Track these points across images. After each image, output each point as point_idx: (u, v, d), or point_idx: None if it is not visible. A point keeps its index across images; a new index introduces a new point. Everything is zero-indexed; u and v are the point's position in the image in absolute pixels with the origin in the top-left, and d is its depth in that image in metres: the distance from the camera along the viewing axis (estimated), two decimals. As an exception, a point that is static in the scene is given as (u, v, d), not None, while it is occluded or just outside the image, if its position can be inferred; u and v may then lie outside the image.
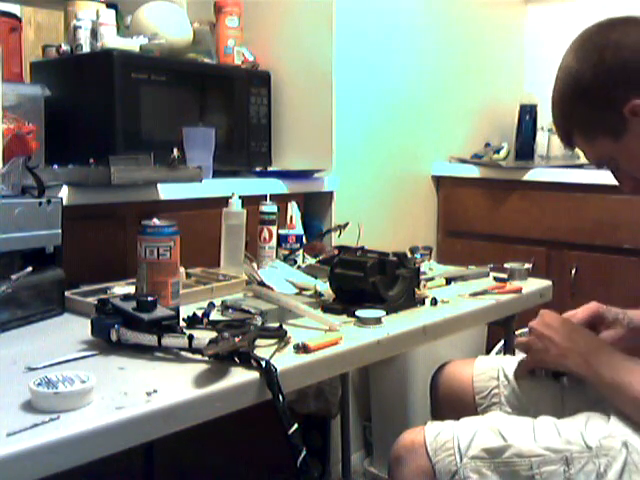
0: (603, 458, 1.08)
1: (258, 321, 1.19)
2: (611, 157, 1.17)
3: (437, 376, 1.50)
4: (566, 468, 1.08)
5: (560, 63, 1.20)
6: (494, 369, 1.41)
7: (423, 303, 1.43)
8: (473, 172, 2.51)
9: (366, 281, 1.32)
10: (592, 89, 1.13)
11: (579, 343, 1.22)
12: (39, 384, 0.85)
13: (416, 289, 1.43)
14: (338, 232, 1.86)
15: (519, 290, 1.59)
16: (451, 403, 1.42)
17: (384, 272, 1.35)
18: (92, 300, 1.24)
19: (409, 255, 1.77)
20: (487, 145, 2.66)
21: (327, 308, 1.33)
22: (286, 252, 1.72)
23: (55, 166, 1.46)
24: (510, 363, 1.41)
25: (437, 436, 1.15)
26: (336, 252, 1.56)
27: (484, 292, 1.54)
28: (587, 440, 1.09)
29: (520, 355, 1.44)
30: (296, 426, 0.96)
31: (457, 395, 1.42)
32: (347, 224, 1.85)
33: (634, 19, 1.15)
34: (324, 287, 1.42)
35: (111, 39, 1.82)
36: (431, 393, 1.50)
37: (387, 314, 1.29)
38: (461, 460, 1.12)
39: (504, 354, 1.80)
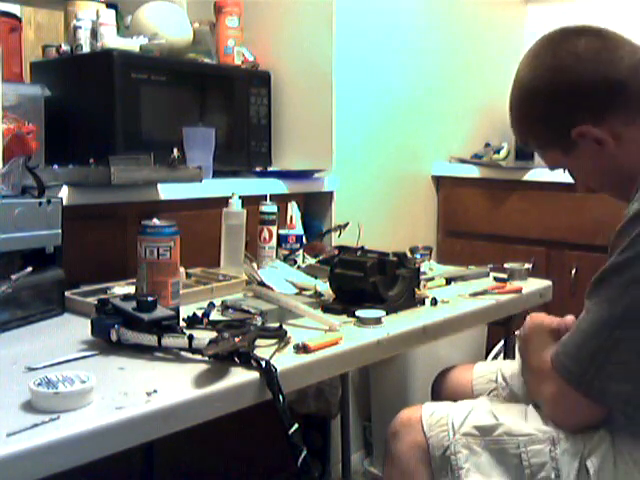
0: (588, 442, 1.10)
1: (258, 321, 1.20)
2: (563, 166, 1.22)
3: (438, 381, 1.52)
4: (552, 447, 1.11)
5: (516, 71, 1.22)
6: (492, 372, 1.44)
7: (423, 303, 1.43)
8: (473, 172, 2.51)
9: (366, 281, 1.32)
10: (544, 108, 1.16)
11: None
12: (39, 384, 0.85)
13: (416, 289, 1.43)
14: (338, 232, 1.86)
15: (519, 290, 1.60)
16: None
17: (384, 272, 1.35)
18: (92, 300, 1.24)
19: (409, 255, 1.77)
20: (487, 145, 2.66)
21: (327, 308, 1.33)
22: (286, 252, 1.72)
23: (55, 166, 1.46)
24: (508, 366, 1.44)
25: (433, 414, 1.20)
26: (336, 252, 1.56)
27: (484, 292, 1.54)
28: None
29: (514, 360, 1.47)
30: (296, 426, 0.96)
31: (457, 399, 1.43)
32: (347, 224, 1.86)
33: (587, 30, 1.17)
34: (324, 287, 1.42)
35: (111, 39, 1.82)
36: (433, 398, 1.51)
37: (387, 314, 1.29)
38: (454, 436, 1.16)
39: (504, 354, 1.80)
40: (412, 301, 1.40)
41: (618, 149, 1.12)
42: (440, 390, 1.50)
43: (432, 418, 1.20)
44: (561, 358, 1.09)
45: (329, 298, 1.39)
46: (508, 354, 1.75)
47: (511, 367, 1.43)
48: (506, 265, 1.70)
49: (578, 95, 1.12)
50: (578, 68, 1.12)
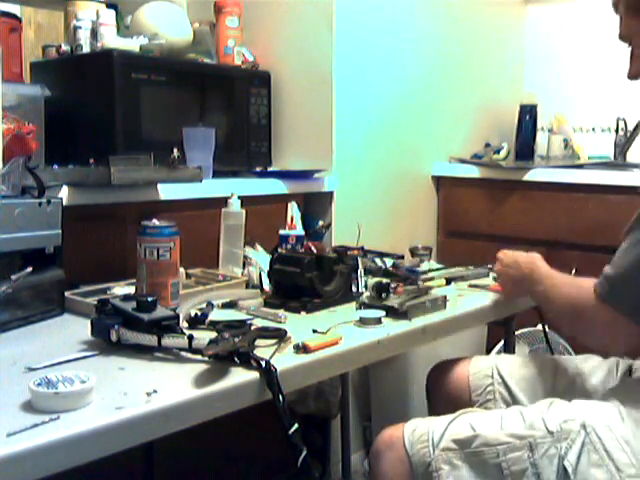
0: (564, 442, 1.12)
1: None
2: (631, 38, 1.26)
3: (433, 375, 1.53)
4: (530, 454, 1.13)
5: None
6: (489, 367, 1.46)
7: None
8: (473, 172, 2.51)
9: (303, 277, 1.35)
10: None
11: (526, 272, 1.41)
12: (39, 384, 0.85)
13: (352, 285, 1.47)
14: (323, 232, 1.88)
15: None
16: (448, 401, 1.45)
17: (321, 268, 1.39)
18: (92, 300, 1.24)
19: (410, 256, 1.78)
20: (487, 145, 2.66)
21: (266, 302, 1.37)
22: (286, 252, 1.72)
23: (55, 166, 1.46)
24: (504, 362, 1.47)
25: (414, 431, 1.21)
26: (335, 253, 1.56)
27: (484, 286, 1.55)
28: (548, 425, 1.14)
29: (511, 355, 1.50)
30: (296, 426, 0.96)
31: (454, 393, 1.47)
32: (330, 224, 1.91)
33: None
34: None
35: (111, 39, 1.82)
36: (428, 391, 1.52)
37: (322, 308, 1.35)
38: (434, 452, 1.17)
39: (504, 354, 1.80)
40: (349, 296, 1.42)
41: None
42: (435, 383, 1.52)
43: (414, 435, 1.20)
44: (610, 289, 1.18)
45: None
46: (508, 353, 1.74)
47: (507, 362, 1.47)
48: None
49: None
50: None
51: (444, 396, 1.48)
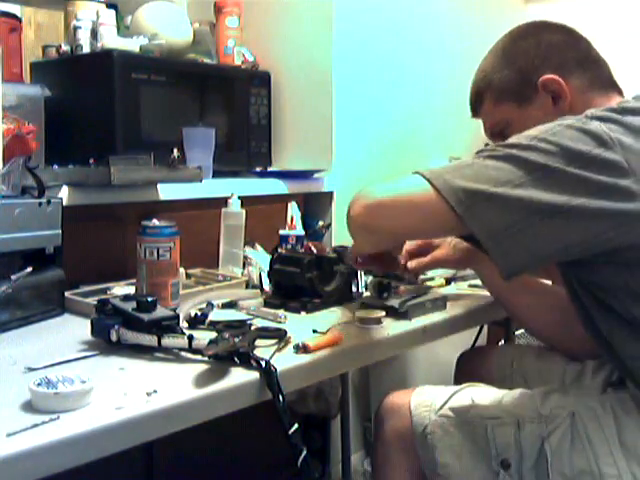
0: (550, 425, 1.15)
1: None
2: (508, 123, 1.27)
3: (463, 362, 1.59)
4: (516, 430, 1.18)
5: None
6: (509, 357, 1.51)
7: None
8: (473, 172, 2.50)
9: (303, 277, 1.36)
10: (521, 57, 1.25)
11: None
12: (39, 384, 0.85)
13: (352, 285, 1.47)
14: (323, 232, 1.88)
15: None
16: None
17: (321, 268, 1.39)
18: (92, 300, 1.24)
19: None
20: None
21: (266, 302, 1.37)
22: (286, 253, 1.72)
23: (55, 166, 1.46)
24: (525, 352, 1.53)
25: (420, 396, 1.30)
26: (335, 253, 1.56)
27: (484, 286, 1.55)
28: (540, 408, 1.18)
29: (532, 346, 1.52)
30: (296, 426, 0.96)
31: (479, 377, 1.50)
32: (330, 224, 1.92)
33: (563, 25, 1.33)
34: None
35: (111, 39, 1.82)
36: (456, 378, 1.58)
37: (323, 308, 1.35)
38: (432, 416, 1.25)
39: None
40: (349, 296, 1.42)
41: (566, 113, 1.14)
42: (464, 371, 1.56)
43: (419, 399, 1.29)
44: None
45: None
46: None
47: (528, 352, 1.52)
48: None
49: (553, 48, 1.24)
50: (557, 34, 1.29)
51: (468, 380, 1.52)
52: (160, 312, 1.11)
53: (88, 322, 1.10)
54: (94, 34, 1.85)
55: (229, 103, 2.00)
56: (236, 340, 1.02)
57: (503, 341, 1.84)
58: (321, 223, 1.98)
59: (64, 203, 1.33)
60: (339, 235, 2.06)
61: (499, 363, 1.51)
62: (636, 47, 2.52)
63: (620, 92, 1.24)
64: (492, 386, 1.35)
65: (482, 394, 1.27)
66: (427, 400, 1.28)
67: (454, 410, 1.24)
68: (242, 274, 1.58)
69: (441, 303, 1.39)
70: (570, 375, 1.42)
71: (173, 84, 1.84)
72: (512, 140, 1.05)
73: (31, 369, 0.96)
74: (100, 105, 1.72)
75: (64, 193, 1.43)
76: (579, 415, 1.14)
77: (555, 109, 1.19)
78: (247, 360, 0.99)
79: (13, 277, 1.15)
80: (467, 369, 1.56)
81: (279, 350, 1.08)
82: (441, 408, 1.25)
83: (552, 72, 1.20)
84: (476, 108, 1.34)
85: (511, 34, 1.31)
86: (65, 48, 1.88)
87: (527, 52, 1.24)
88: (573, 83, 1.19)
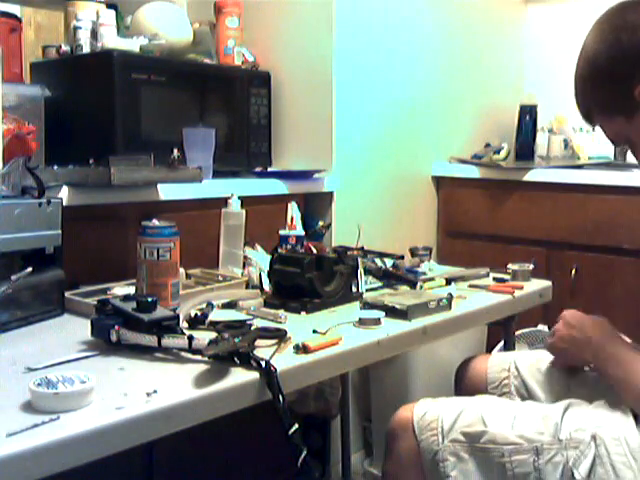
0: (571, 450, 1.11)
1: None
2: (626, 136, 1.21)
3: (461, 370, 1.56)
4: (535, 458, 1.12)
5: (582, 44, 1.24)
6: (507, 362, 1.47)
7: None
8: (473, 172, 2.51)
9: (303, 277, 1.36)
10: (607, 70, 1.18)
11: (594, 337, 1.26)
12: (39, 384, 0.85)
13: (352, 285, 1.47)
14: (323, 232, 1.88)
15: (520, 287, 1.60)
16: (469, 394, 1.46)
17: (321, 268, 1.39)
18: (92, 301, 1.24)
19: (409, 256, 1.78)
20: (487, 145, 2.66)
21: (266, 302, 1.37)
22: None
23: (55, 166, 1.46)
24: (523, 357, 1.49)
25: (424, 415, 1.22)
26: (335, 253, 1.56)
27: (484, 287, 1.55)
28: (559, 432, 1.13)
29: (531, 351, 1.48)
30: (296, 426, 0.96)
31: (473, 386, 1.48)
32: (330, 224, 1.92)
33: None
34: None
35: (111, 39, 1.82)
36: (455, 386, 1.56)
37: (323, 308, 1.35)
38: (443, 441, 1.18)
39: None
40: (349, 296, 1.42)
41: None
42: (461, 379, 1.54)
43: (423, 420, 1.21)
44: None
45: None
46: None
47: (525, 356, 1.49)
48: (509, 266, 1.70)
49: None
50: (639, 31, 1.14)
51: (465, 389, 1.50)
52: (160, 312, 1.11)
53: (88, 322, 1.10)
54: (94, 34, 1.85)
55: (229, 103, 2.00)
56: (236, 340, 1.02)
57: (503, 342, 1.84)
58: (321, 223, 1.98)
59: (64, 203, 1.33)
60: (339, 235, 2.06)
61: (492, 367, 1.47)
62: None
63: None
64: (495, 395, 1.35)
65: (492, 412, 1.20)
66: (433, 422, 1.20)
67: (466, 435, 1.17)
68: (242, 274, 1.58)
69: (445, 304, 1.39)
70: (577, 376, 1.39)
71: (173, 84, 1.84)
72: None
73: (31, 369, 0.96)
74: (100, 105, 1.72)
75: (64, 193, 1.43)
76: (601, 438, 1.11)
77: None
78: (247, 360, 0.99)
79: (13, 277, 1.15)
80: (463, 377, 1.53)
81: (279, 350, 1.08)
82: (450, 430, 1.18)
83: None
84: (590, 121, 1.28)
85: (602, 34, 1.21)
86: (65, 48, 1.88)
87: (619, 59, 1.17)
88: None
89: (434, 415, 1.21)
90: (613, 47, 1.17)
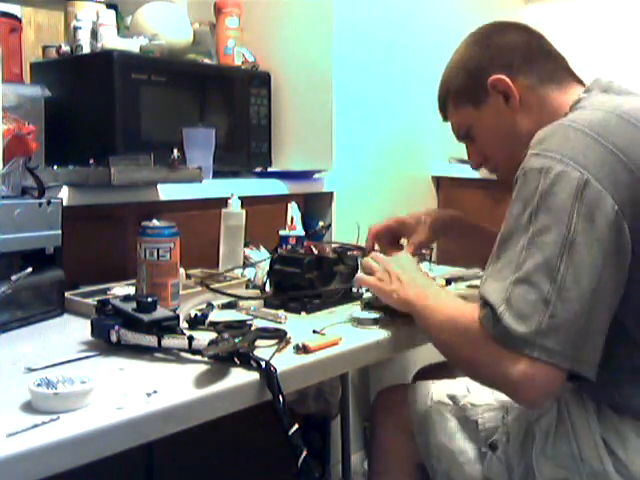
0: (537, 409, 1.18)
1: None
2: (469, 126, 1.30)
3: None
4: (505, 414, 1.26)
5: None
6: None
7: None
8: (473, 172, 2.50)
9: (302, 277, 1.36)
10: (471, 61, 1.29)
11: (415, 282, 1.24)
12: (39, 385, 0.85)
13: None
14: (323, 232, 1.88)
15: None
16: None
17: (321, 269, 1.40)
18: (92, 301, 1.24)
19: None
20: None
21: (266, 302, 1.37)
22: (286, 253, 1.72)
23: (55, 166, 1.46)
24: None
25: (419, 388, 1.39)
26: (335, 253, 1.56)
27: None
28: None
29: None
30: (296, 427, 0.96)
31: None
32: (330, 225, 1.93)
33: (517, 24, 1.37)
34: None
35: (111, 40, 1.82)
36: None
37: (323, 309, 1.35)
38: (430, 403, 1.34)
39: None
40: (349, 297, 1.42)
41: (519, 111, 1.22)
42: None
43: (417, 390, 1.38)
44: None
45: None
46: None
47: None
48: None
49: (503, 50, 1.26)
50: (508, 35, 1.30)
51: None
52: (160, 312, 1.11)
53: (88, 322, 1.10)
54: (94, 34, 1.86)
55: (229, 103, 2.00)
56: (236, 341, 1.02)
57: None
58: (321, 223, 1.98)
59: (64, 203, 1.33)
60: (339, 235, 2.06)
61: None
62: (635, 47, 2.52)
63: (580, 82, 1.25)
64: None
65: (478, 385, 1.27)
66: (425, 391, 1.37)
67: (450, 397, 1.33)
68: (242, 274, 1.58)
69: None
70: None
71: (173, 84, 1.84)
72: None
73: (31, 369, 0.96)
74: (100, 105, 1.72)
75: (64, 193, 1.43)
76: (565, 401, 1.16)
77: (507, 108, 1.23)
78: (247, 361, 0.99)
79: (13, 277, 1.15)
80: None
81: (279, 350, 1.08)
82: (439, 395, 1.34)
83: (500, 72, 1.23)
84: (445, 114, 1.38)
85: (465, 40, 1.35)
86: (65, 48, 1.88)
87: (477, 55, 1.28)
88: (521, 81, 1.22)
89: (427, 387, 1.37)
90: (479, 43, 1.30)
